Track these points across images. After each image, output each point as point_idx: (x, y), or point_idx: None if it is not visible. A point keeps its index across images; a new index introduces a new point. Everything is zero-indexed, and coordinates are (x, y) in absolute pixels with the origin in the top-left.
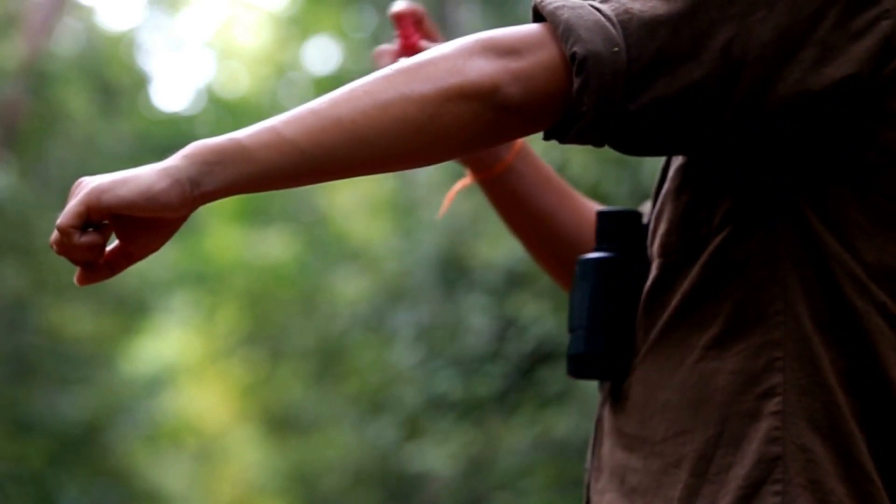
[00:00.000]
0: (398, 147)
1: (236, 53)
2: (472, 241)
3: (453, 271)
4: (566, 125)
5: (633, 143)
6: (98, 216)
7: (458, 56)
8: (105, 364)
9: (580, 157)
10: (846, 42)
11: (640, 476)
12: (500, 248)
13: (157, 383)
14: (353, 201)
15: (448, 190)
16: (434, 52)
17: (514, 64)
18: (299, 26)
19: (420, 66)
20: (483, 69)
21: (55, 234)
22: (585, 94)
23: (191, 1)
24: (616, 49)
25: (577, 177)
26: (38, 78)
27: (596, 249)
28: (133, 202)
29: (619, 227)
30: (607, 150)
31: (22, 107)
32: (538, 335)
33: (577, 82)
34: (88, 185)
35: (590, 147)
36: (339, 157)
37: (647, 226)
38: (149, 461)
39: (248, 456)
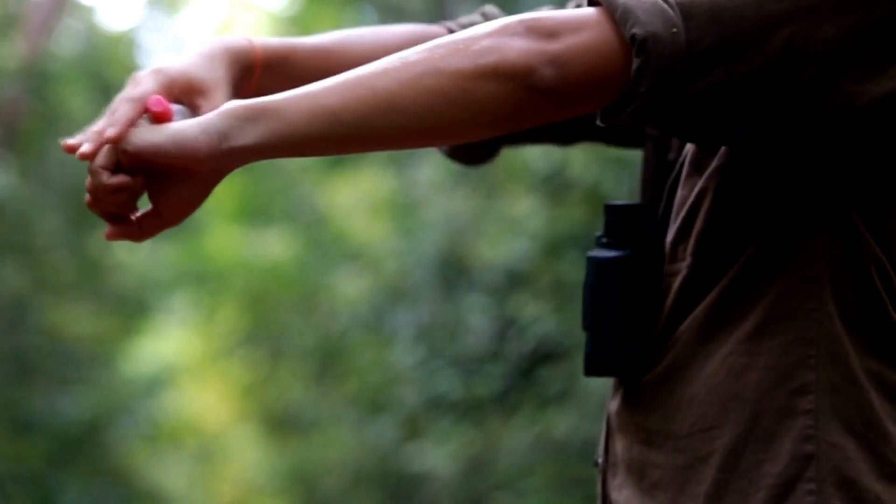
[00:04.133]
0: (430, 119)
1: None
2: (472, 241)
3: (453, 271)
4: (621, 106)
5: (688, 128)
6: (127, 159)
7: (497, 34)
8: (105, 364)
9: (580, 158)
10: None
11: (663, 471)
12: (500, 248)
13: (157, 383)
14: (353, 201)
15: (448, 190)
16: (476, 29)
17: (550, 46)
18: (299, 26)
19: (459, 41)
20: (520, 50)
21: (88, 181)
22: (644, 75)
23: (191, 1)
24: (675, 31)
25: (578, 177)
26: (38, 78)
27: (604, 245)
28: (160, 145)
29: (628, 223)
30: (607, 150)
31: (22, 107)
32: (538, 335)
33: (636, 63)
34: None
35: (590, 147)
36: (372, 125)
37: (662, 219)
38: (149, 461)
39: (248, 456)
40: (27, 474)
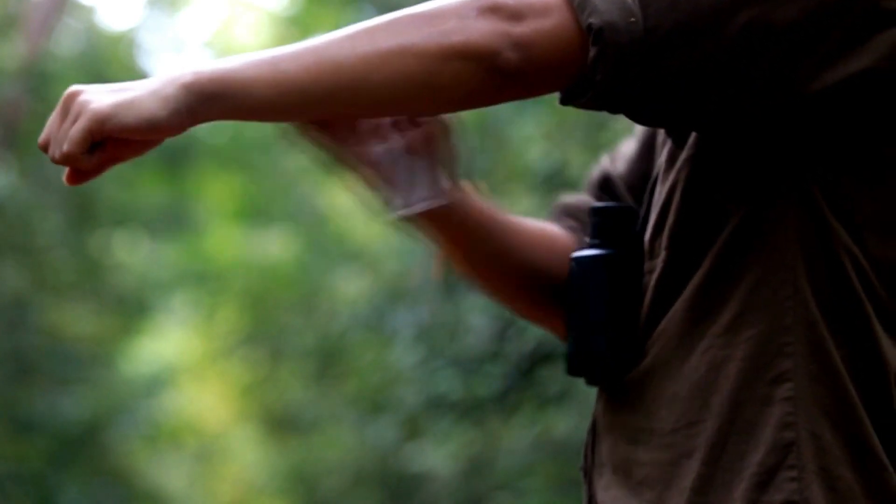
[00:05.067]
0: (395, 96)
1: (236, 53)
2: None
3: (453, 271)
4: (578, 91)
5: (648, 114)
6: (100, 138)
7: (463, 14)
8: (105, 364)
9: (580, 158)
10: (872, 32)
11: (649, 469)
12: None
13: (157, 383)
14: (353, 201)
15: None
16: (440, 5)
17: (515, 29)
18: (299, 26)
19: (425, 19)
20: (484, 31)
21: (60, 155)
22: (600, 64)
23: (191, 1)
24: (633, 20)
25: (577, 177)
26: (38, 78)
27: (590, 246)
28: (135, 128)
29: (613, 224)
30: (607, 150)
31: (22, 107)
32: (538, 335)
33: (592, 52)
34: (87, 105)
35: (590, 147)
36: (336, 100)
37: (644, 218)
38: (149, 461)
39: (248, 456)
40: (27, 474)
